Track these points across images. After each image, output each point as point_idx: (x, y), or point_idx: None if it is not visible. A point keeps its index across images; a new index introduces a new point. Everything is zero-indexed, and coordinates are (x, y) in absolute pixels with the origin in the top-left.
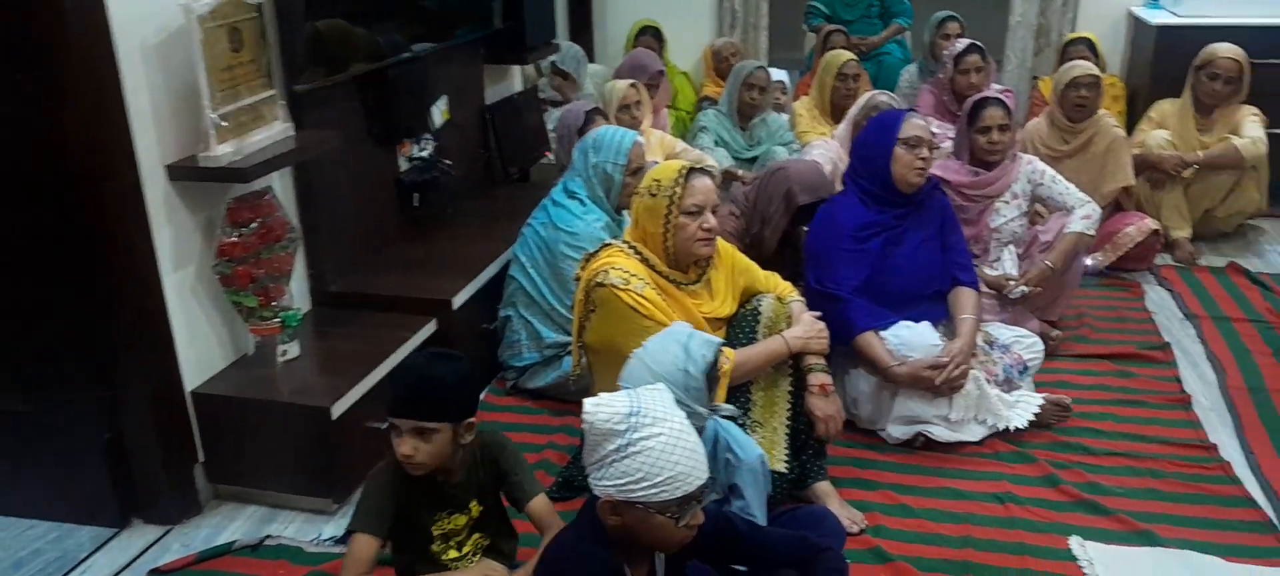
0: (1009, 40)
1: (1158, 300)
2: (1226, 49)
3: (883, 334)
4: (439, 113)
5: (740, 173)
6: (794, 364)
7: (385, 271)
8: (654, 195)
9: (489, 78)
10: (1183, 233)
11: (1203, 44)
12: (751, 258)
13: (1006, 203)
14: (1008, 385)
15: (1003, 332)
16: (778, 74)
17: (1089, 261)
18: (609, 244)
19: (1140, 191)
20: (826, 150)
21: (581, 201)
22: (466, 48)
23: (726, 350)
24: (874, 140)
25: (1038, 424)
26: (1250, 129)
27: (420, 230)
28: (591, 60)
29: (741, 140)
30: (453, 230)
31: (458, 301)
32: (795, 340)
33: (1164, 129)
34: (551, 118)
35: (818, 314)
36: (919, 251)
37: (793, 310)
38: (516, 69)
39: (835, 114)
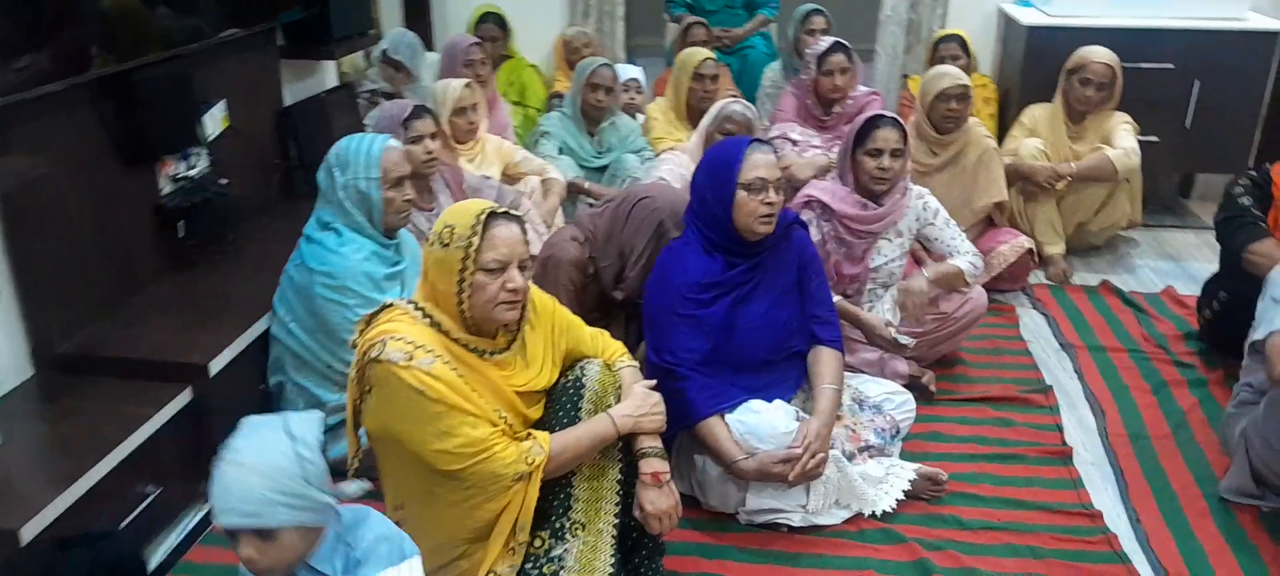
0: (879, 35)
1: (1033, 327)
2: (1099, 53)
3: (729, 418)
4: (214, 121)
5: (588, 184)
6: (624, 446)
7: (134, 324)
8: (445, 245)
9: (289, 74)
10: (1056, 249)
11: (1075, 46)
12: (593, 297)
13: (889, 240)
14: (877, 452)
15: (872, 388)
16: (630, 71)
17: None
18: (391, 305)
19: (1013, 204)
20: (676, 165)
21: (337, 232)
22: (254, 40)
23: (540, 436)
24: (711, 181)
25: (909, 494)
26: (1123, 139)
27: (188, 266)
28: (430, 49)
29: (589, 146)
30: (231, 264)
31: (218, 365)
32: (624, 420)
33: (1036, 136)
34: (373, 118)
35: (652, 382)
36: (773, 309)
37: (623, 378)
38: (329, 64)
39: (693, 117)
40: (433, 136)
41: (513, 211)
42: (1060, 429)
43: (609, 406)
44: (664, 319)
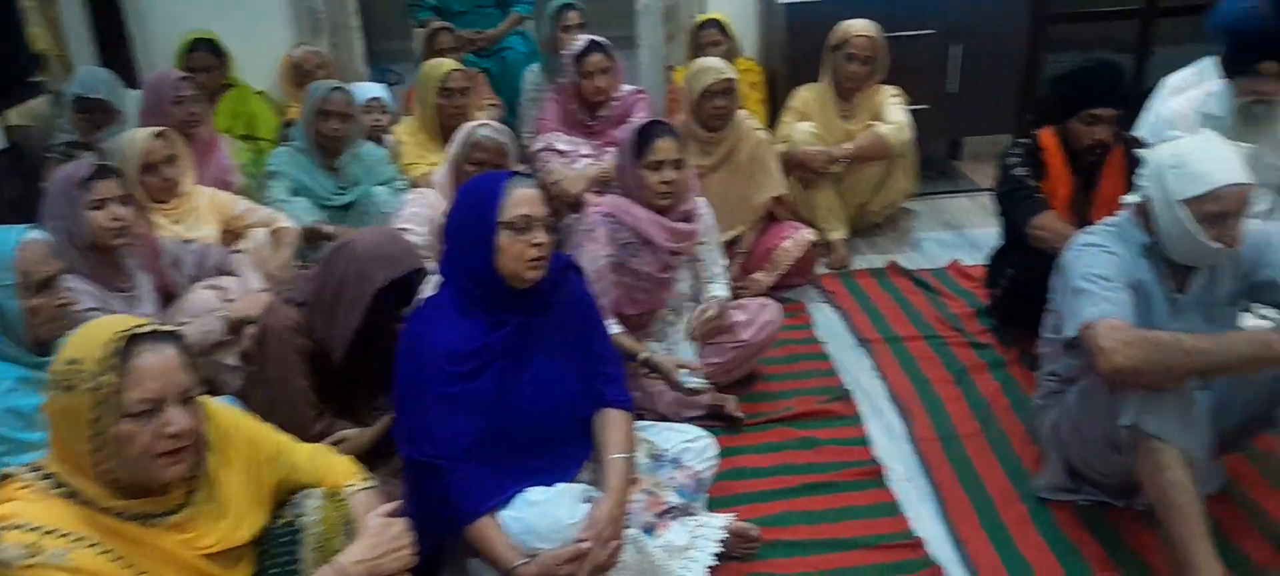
0: (638, 26)
1: (826, 324)
2: (860, 26)
3: (503, 515)
4: None
5: (331, 228)
6: None
7: None
8: (69, 389)
9: None
10: (839, 234)
11: (835, 20)
12: (331, 367)
13: (685, 264)
14: (681, 512)
15: (669, 439)
16: (371, 89)
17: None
18: (8, 474)
19: (792, 192)
20: (421, 207)
21: None
22: None
23: None
24: (466, 223)
25: (721, 556)
26: (893, 113)
27: None
28: (133, 86)
29: (328, 183)
30: None
31: None
32: (357, 568)
33: (807, 119)
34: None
35: (392, 507)
36: (553, 373)
37: (353, 510)
38: None
39: (448, 135)
40: (122, 200)
41: (164, 328)
42: (867, 442)
43: (337, 550)
44: (417, 401)
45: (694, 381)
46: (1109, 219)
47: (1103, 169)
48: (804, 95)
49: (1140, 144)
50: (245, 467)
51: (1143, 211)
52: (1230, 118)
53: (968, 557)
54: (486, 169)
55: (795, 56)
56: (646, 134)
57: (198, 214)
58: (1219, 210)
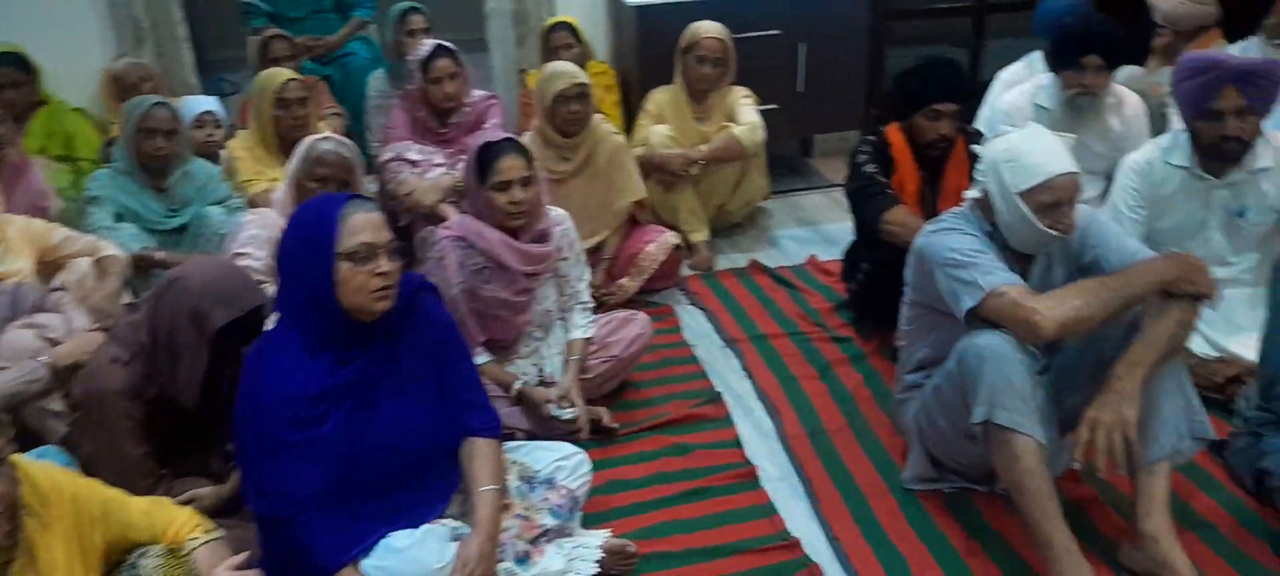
0: (488, 29)
1: (694, 326)
2: (709, 28)
3: (365, 566)
4: None
5: (161, 255)
6: None
7: None
8: None
9: None
10: (701, 235)
11: (685, 22)
12: (169, 426)
13: (547, 280)
14: (557, 534)
15: (540, 459)
16: (203, 103)
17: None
18: None
19: (653, 195)
20: (259, 229)
21: None
22: None
23: None
24: (300, 256)
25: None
26: (745, 114)
27: None
28: None
29: (156, 206)
30: None
31: None
32: None
33: (663, 122)
34: None
35: (241, 559)
36: (410, 408)
37: (197, 564)
38: None
39: (288, 148)
40: None
41: None
42: (739, 444)
43: None
44: (262, 451)
45: (567, 414)
46: (952, 210)
47: (947, 162)
48: (658, 98)
49: (980, 137)
50: (69, 530)
51: (982, 203)
52: (1059, 109)
53: (843, 553)
54: (330, 185)
55: (647, 59)
56: (488, 155)
57: (8, 245)
58: (1053, 199)
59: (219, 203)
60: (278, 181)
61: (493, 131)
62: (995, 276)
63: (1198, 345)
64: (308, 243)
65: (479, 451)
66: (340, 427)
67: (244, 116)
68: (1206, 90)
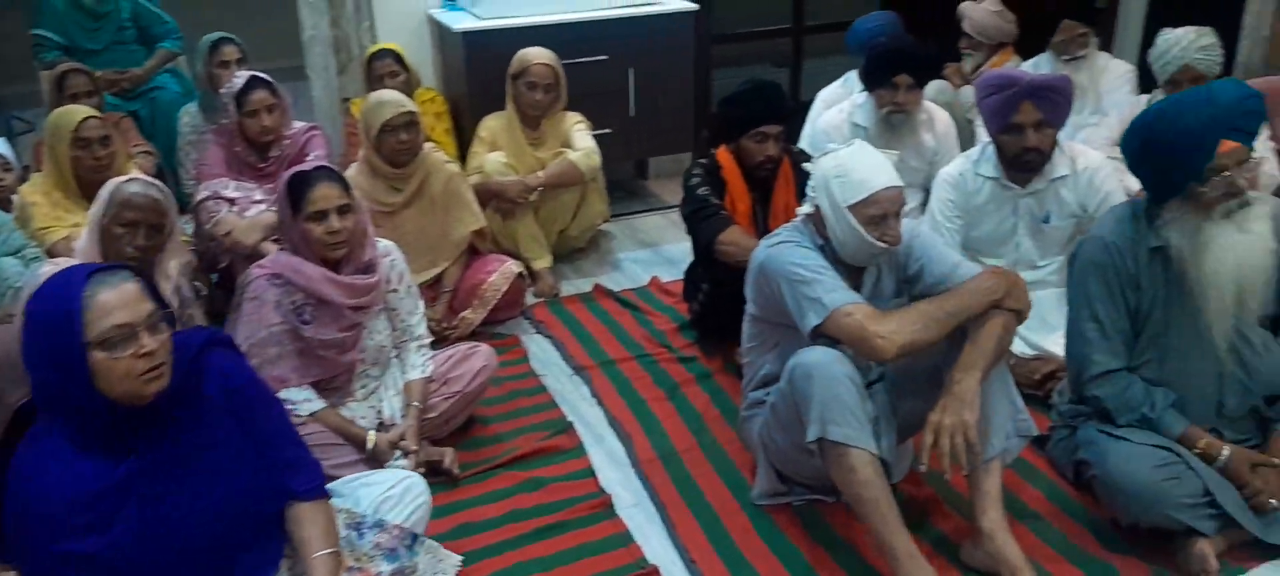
0: (307, 58)
1: (541, 355)
2: (538, 54)
3: None
4: None
5: None
6: None
7: None
8: None
9: None
10: (544, 262)
11: (513, 48)
12: None
13: (377, 314)
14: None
15: (365, 497)
16: None
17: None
18: None
19: (492, 225)
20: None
21: None
22: None
23: None
24: (45, 353)
25: None
26: (580, 139)
27: None
28: None
29: None
30: None
31: None
32: None
33: (497, 149)
34: None
35: None
36: (212, 488)
37: None
38: None
39: (90, 191)
40: None
41: None
42: (593, 473)
43: None
44: (39, 568)
45: (403, 464)
46: (788, 224)
47: (775, 182)
48: (491, 125)
49: (806, 156)
50: None
51: (814, 218)
52: (875, 127)
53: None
54: (139, 229)
55: (477, 85)
56: (300, 184)
57: None
58: (880, 212)
59: (13, 253)
60: (80, 227)
61: (316, 164)
62: (838, 295)
63: (1016, 345)
64: (50, 335)
65: (306, 517)
66: (132, 527)
67: (39, 158)
68: (1007, 106)
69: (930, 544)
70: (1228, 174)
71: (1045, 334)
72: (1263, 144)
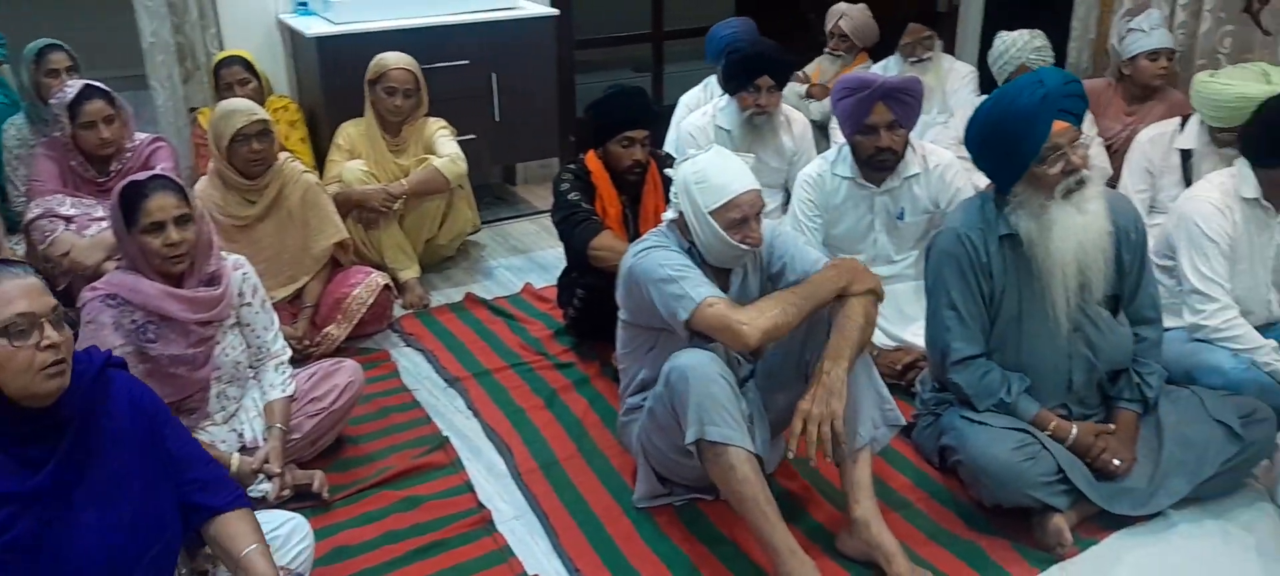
0: (149, 66)
1: (412, 369)
2: (396, 59)
3: None
4: None
5: None
6: None
7: None
8: None
9: None
10: (411, 272)
11: (370, 53)
12: None
13: (230, 328)
14: None
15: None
16: None
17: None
18: None
19: (355, 235)
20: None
21: None
22: None
23: None
24: None
25: None
26: (445, 146)
27: None
28: None
29: None
30: None
31: None
32: None
33: (357, 157)
34: None
35: None
36: (118, 512)
37: None
38: None
39: None
40: None
41: None
42: (471, 488)
43: None
44: None
45: (258, 490)
46: (655, 229)
47: (644, 186)
48: (350, 132)
49: (671, 160)
50: None
51: (679, 223)
52: (738, 129)
53: None
54: None
55: (333, 92)
56: (133, 196)
57: None
58: (740, 215)
59: None
60: None
61: (149, 173)
62: (704, 289)
63: (877, 338)
64: None
65: (230, 523)
66: (28, 538)
67: None
68: (861, 108)
69: (806, 534)
70: (1063, 151)
71: (904, 325)
72: (1089, 126)
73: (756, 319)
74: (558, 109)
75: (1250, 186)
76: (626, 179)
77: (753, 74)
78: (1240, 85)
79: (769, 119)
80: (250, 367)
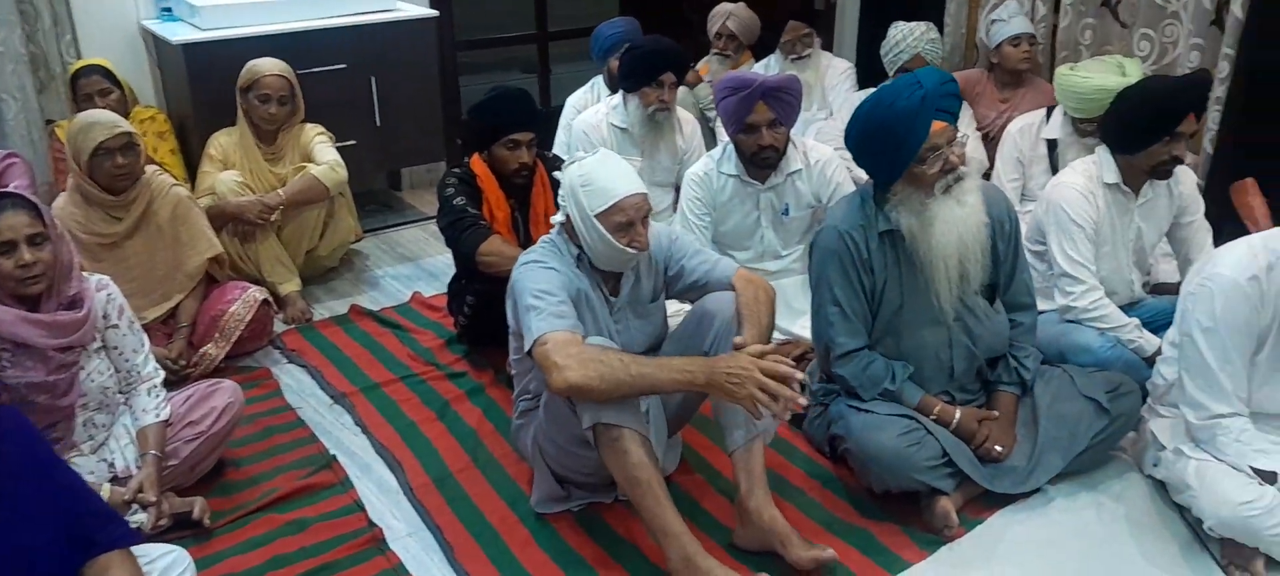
0: None
1: (296, 386)
2: (269, 65)
3: None
4: None
5: None
6: None
7: None
8: None
9: None
10: (292, 286)
11: (241, 60)
12: None
13: (95, 353)
14: None
15: None
16: None
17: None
18: None
19: (231, 250)
20: None
21: None
22: None
23: None
24: None
25: None
26: (323, 153)
27: None
28: None
29: None
30: None
31: None
32: None
33: (230, 167)
34: None
35: None
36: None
37: None
38: None
39: None
40: None
41: None
42: (362, 507)
43: None
44: None
45: (138, 518)
46: (546, 237)
47: (532, 189)
48: (222, 142)
49: (559, 162)
50: None
51: (568, 227)
52: (638, 127)
53: None
54: None
55: (203, 101)
56: None
57: None
58: (626, 219)
59: None
60: None
61: None
62: (546, 322)
63: None
64: None
65: (112, 566)
66: None
67: None
68: (743, 106)
69: (704, 531)
70: (941, 151)
71: (792, 319)
72: (965, 122)
73: (572, 370)
74: (442, 112)
75: (1111, 172)
76: (514, 182)
77: (657, 70)
78: (1099, 78)
79: (669, 116)
80: (120, 393)
